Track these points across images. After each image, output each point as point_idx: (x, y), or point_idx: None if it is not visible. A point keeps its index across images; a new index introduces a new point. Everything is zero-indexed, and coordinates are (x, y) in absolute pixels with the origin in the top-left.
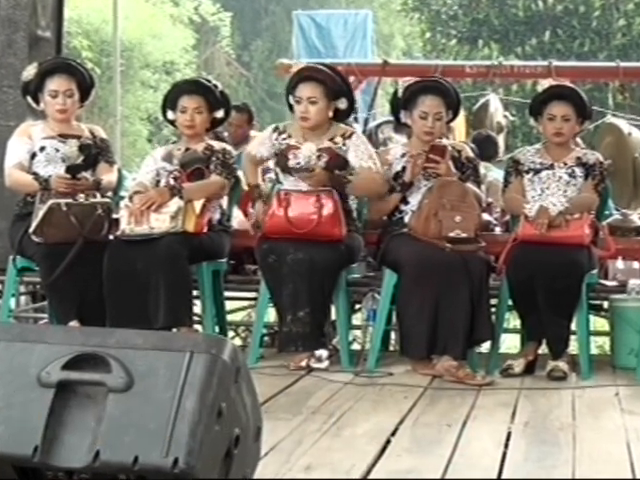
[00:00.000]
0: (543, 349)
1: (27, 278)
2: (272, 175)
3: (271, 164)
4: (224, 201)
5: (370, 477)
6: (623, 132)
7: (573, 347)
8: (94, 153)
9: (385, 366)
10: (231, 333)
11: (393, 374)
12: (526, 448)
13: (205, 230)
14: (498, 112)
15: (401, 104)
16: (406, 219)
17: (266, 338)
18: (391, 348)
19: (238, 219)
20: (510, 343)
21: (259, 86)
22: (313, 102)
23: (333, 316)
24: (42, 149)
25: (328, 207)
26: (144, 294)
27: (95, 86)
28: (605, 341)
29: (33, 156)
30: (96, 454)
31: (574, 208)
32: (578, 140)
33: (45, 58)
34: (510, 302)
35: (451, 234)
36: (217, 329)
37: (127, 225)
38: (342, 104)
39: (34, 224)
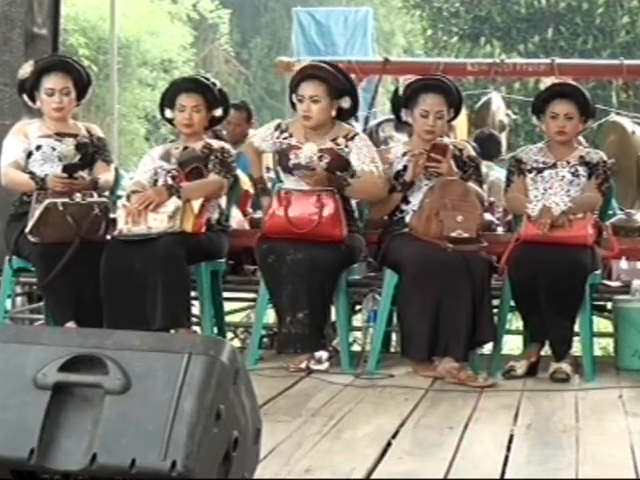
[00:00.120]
0: (546, 350)
1: (23, 279)
2: (272, 174)
3: (271, 163)
4: (223, 201)
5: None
6: (627, 131)
7: (576, 348)
8: (91, 152)
9: (386, 368)
10: (230, 334)
11: (394, 376)
12: (529, 451)
13: (203, 230)
14: (500, 110)
15: (402, 102)
16: (407, 219)
17: (265, 339)
18: (392, 349)
19: (237, 219)
20: (512, 344)
21: (258, 84)
22: (315, 101)
23: (333, 317)
24: (38, 148)
25: (329, 207)
26: (142, 295)
27: (92, 84)
28: (609, 342)
29: (29, 155)
30: (93, 457)
31: (577, 208)
32: (581, 139)
33: (41, 56)
34: (512, 303)
35: (453, 234)
36: (215, 330)
37: (124, 225)
38: (345, 103)
39: (30, 224)
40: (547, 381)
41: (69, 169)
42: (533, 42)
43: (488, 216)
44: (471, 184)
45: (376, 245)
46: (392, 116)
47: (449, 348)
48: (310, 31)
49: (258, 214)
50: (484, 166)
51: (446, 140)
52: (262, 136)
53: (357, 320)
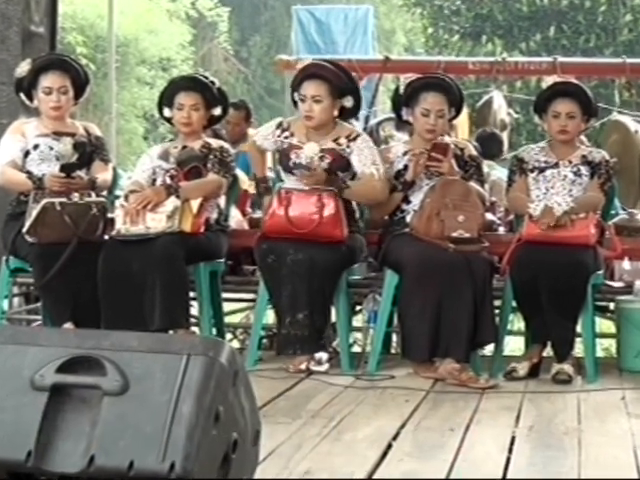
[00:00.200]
0: (548, 352)
1: (20, 279)
2: (273, 174)
3: (270, 162)
4: (222, 200)
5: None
6: (629, 130)
7: (578, 349)
8: (89, 151)
9: (386, 369)
10: (229, 335)
11: (394, 377)
12: (530, 453)
13: (202, 230)
14: (502, 109)
15: (403, 101)
16: (408, 219)
17: (265, 340)
18: (392, 350)
19: (236, 219)
20: (514, 345)
21: (257, 83)
22: (317, 101)
23: (333, 318)
24: (36, 147)
25: (330, 207)
26: (140, 295)
27: (90, 83)
28: (611, 343)
29: (26, 154)
30: (91, 459)
31: (579, 207)
32: (583, 138)
33: (39, 54)
34: (514, 303)
35: (454, 234)
36: (214, 331)
37: (122, 225)
38: (348, 102)
39: (27, 224)
40: (549, 382)
41: (67, 168)
42: (535, 40)
43: (489, 216)
44: (472, 184)
45: (377, 245)
46: (393, 115)
47: (450, 349)
48: (310, 29)
49: (257, 214)
50: (485, 165)
51: (447, 139)
52: (264, 134)
53: (357, 321)
